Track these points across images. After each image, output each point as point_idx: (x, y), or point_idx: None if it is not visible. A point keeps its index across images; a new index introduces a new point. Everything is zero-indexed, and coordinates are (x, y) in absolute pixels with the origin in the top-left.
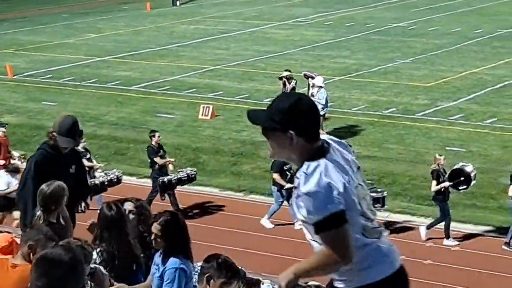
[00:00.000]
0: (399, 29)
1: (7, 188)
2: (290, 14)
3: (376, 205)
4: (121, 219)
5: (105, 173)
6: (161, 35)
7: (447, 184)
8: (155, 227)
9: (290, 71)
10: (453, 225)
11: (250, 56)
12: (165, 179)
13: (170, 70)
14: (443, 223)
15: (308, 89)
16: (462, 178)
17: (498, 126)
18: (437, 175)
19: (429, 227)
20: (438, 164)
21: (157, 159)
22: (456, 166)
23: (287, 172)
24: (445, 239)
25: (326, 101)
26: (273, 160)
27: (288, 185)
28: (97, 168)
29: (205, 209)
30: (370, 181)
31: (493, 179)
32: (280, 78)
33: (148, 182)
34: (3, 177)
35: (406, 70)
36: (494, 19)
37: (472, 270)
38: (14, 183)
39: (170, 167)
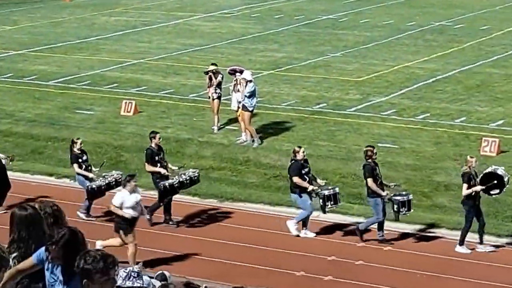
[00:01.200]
0: (329, 21)
1: None
2: (215, 5)
3: (402, 209)
4: (39, 218)
5: (103, 176)
6: (80, 27)
7: (479, 188)
8: (53, 249)
9: (216, 65)
10: (387, 224)
11: (175, 50)
12: (166, 184)
13: (90, 64)
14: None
15: (236, 84)
16: (495, 182)
17: (431, 121)
18: (468, 179)
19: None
20: (469, 167)
21: (148, 167)
22: (488, 170)
23: (306, 177)
24: (458, 245)
25: (255, 96)
26: (289, 163)
27: (311, 187)
28: (95, 173)
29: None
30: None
31: (426, 176)
32: (206, 73)
33: (68, 182)
34: None
35: (336, 64)
36: (426, 12)
37: (408, 271)
38: None
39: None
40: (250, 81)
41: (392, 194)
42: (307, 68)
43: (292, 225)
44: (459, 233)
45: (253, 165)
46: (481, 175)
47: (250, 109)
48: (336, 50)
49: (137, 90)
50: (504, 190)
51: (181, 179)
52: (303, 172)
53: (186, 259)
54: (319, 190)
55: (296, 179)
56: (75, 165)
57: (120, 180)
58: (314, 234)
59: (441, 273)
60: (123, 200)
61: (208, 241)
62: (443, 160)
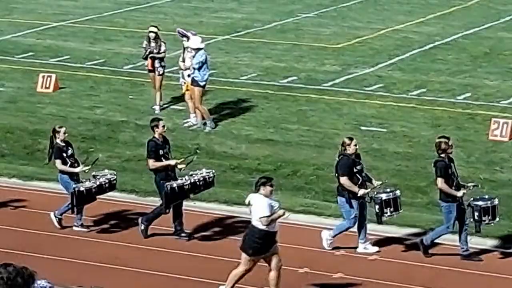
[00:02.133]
0: None
1: None
2: None
3: (484, 218)
4: None
5: (94, 176)
6: None
7: None
8: None
9: (158, 28)
10: (370, 227)
11: (106, 9)
12: (174, 185)
13: None
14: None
15: (183, 51)
16: None
17: (428, 99)
18: None
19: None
20: None
21: (153, 163)
22: None
23: (358, 176)
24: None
25: (206, 68)
26: (338, 158)
27: (362, 191)
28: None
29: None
30: (267, 172)
31: (421, 167)
32: (148, 40)
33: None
34: None
35: (309, 27)
36: None
37: (399, 286)
38: None
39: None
40: (200, 49)
41: (471, 199)
42: (273, 32)
43: (326, 237)
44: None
45: (205, 154)
46: None
47: (201, 84)
48: (309, 10)
49: (57, 61)
50: None
51: (192, 180)
52: (354, 170)
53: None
54: (374, 193)
55: (344, 180)
56: (58, 161)
57: (114, 181)
58: (377, 249)
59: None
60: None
61: (151, 250)
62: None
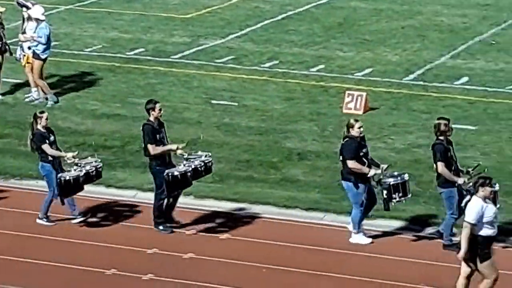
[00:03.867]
0: None
1: None
2: None
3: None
4: None
5: (76, 164)
6: None
7: None
8: None
9: None
10: (221, 204)
11: None
12: (175, 173)
13: None
14: None
15: (23, 22)
16: None
17: (280, 71)
18: None
19: None
20: None
21: (154, 148)
22: None
23: (364, 159)
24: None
25: (49, 39)
26: (342, 141)
27: (372, 171)
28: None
29: None
30: (114, 149)
31: (274, 142)
32: None
33: None
34: None
35: None
36: None
37: (251, 265)
38: None
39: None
40: (41, 20)
41: (381, 177)
42: (118, 2)
43: (358, 238)
44: (315, 214)
45: None
46: None
47: (43, 57)
48: None
49: None
50: None
51: (193, 166)
52: (360, 153)
53: None
54: (382, 177)
55: (352, 163)
56: (46, 146)
57: (100, 168)
58: (370, 240)
59: (290, 266)
60: (482, 212)
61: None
62: (296, 121)
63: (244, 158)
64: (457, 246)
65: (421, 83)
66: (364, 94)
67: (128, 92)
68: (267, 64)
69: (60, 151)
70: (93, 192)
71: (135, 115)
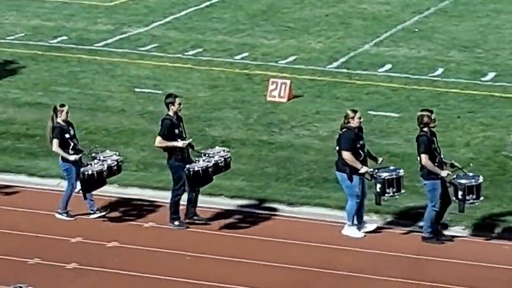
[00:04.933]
0: None
1: None
2: None
3: (468, 197)
4: None
5: (97, 158)
6: None
7: None
8: None
9: None
10: (145, 192)
11: None
12: (196, 168)
13: None
14: None
15: None
16: None
17: (204, 59)
18: None
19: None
20: None
21: (159, 141)
22: None
23: (360, 151)
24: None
25: None
26: (340, 132)
27: (365, 168)
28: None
29: None
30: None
31: (198, 130)
32: None
33: None
34: None
35: None
36: None
37: (175, 253)
38: None
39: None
40: None
41: (454, 176)
42: None
43: (351, 231)
44: (240, 202)
45: None
46: None
47: None
48: None
49: None
50: None
51: (213, 161)
52: (357, 145)
53: None
54: (375, 171)
55: (347, 155)
56: (55, 141)
57: (121, 162)
58: (363, 235)
59: (216, 254)
60: None
61: None
62: (220, 109)
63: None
64: (437, 238)
65: (345, 70)
66: (288, 81)
67: (51, 80)
68: (191, 52)
69: (80, 151)
70: (15, 181)
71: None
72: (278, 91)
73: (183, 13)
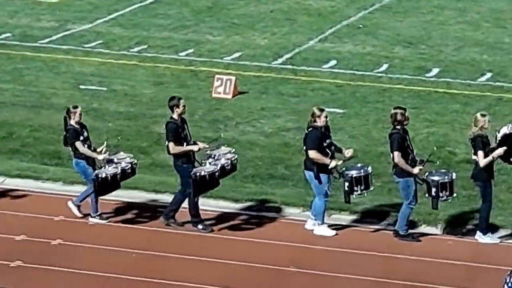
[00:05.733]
0: None
1: None
2: None
3: (442, 194)
4: None
5: (108, 161)
6: None
7: (502, 151)
8: None
9: None
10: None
11: None
12: (203, 172)
13: None
14: None
15: None
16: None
17: (149, 55)
18: (482, 144)
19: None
20: (481, 128)
21: (174, 146)
22: (504, 130)
23: (328, 150)
24: (480, 234)
25: None
26: (306, 131)
27: (334, 162)
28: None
29: None
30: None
31: (143, 127)
32: None
33: None
34: None
35: None
36: None
37: (121, 251)
38: None
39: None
40: None
41: (427, 173)
42: None
43: (323, 230)
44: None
45: None
46: (499, 137)
47: None
48: None
49: None
50: None
51: (220, 165)
52: (324, 144)
53: None
54: (344, 169)
55: (313, 154)
56: (78, 143)
57: (135, 165)
58: (335, 233)
59: (164, 252)
60: None
61: None
62: (165, 106)
63: (114, 143)
64: (413, 236)
65: (290, 66)
66: (233, 78)
67: None
68: (136, 49)
69: (92, 149)
70: None
71: (1, 101)
72: (223, 87)
73: (127, 9)
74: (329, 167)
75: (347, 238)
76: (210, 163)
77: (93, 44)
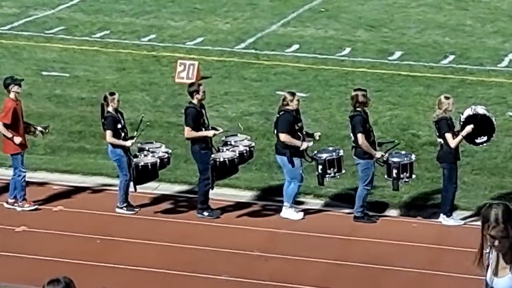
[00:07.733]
0: None
1: None
2: None
3: (402, 175)
4: None
5: (146, 149)
6: None
7: (470, 128)
8: None
9: None
10: (53, 176)
11: None
12: (221, 158)
13: None
14: None
15: None
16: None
17: (112, 41)
18: (448, 126)
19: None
20: (445, 111)
21: (189, 132)
22: (469, 111)
23: (299, 134)
24: (444, 216)
25: None
26: (277, 115)
27: (305, 144)
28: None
29: None
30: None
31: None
32: None
33: None
34: None
35: None
36: None
37: (85, 237)
38: None
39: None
40: None
41: (387, 155)
42: None
43: (289, 213)
44: (149, 184)
45: None
46: (463, 119)
47: None
48: None
49: None
50: (493, 136)
51: (239, 151)
52: (296, 127)
53: None
54: (316, 152)
55: (284, 137)
56: (109, 132)
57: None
58: (302, 216)
59: (128, 237)
60: None
61: None
62: (128, 91)
63: (76, 129)
64: (368, 218)
65: (253, 51)
66: (196, 63)
67: None
68: (98, 34)
69: (123, 137)
70: None
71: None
72: (186, 72)
73: None
74: (300, 148)
75: (313, 223)
76: (228, 150)
77: (55, 30)
